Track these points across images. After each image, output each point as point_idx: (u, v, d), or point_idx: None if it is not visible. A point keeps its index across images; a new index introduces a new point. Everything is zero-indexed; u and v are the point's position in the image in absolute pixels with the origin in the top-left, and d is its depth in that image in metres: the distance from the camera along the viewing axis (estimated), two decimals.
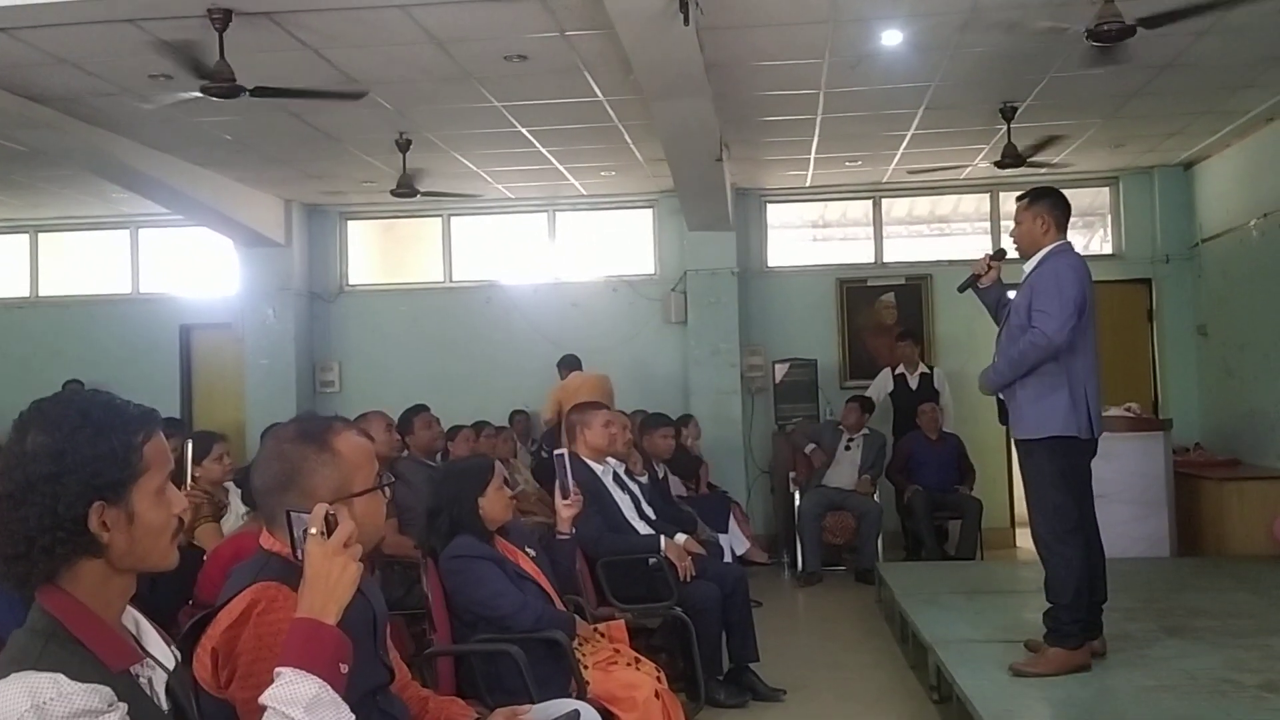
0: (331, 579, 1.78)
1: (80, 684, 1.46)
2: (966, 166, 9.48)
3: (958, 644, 4.93)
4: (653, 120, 7.06)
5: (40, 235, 11.01)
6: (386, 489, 2.28)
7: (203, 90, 5.40)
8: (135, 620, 1.70)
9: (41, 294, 11.01)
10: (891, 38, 6.05)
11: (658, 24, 5.01)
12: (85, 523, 1.55)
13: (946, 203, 10.71)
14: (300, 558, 1.83)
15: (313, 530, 1.80)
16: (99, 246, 11.07)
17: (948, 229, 10.85)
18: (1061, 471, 4.34)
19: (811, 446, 8.82)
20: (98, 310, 10.74)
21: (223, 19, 5.12)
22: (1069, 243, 4.54)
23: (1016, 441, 4.51)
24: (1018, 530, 9.57)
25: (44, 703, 1.43)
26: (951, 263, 10.09)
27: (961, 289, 4.88)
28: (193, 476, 5.02)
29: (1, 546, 1.56)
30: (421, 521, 4.19)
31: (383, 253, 11.02)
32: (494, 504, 3.71)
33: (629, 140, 8.17)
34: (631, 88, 6.57)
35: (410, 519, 5.24)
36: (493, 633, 3.51)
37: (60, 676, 1.46)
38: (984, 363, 4.68)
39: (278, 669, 1.70)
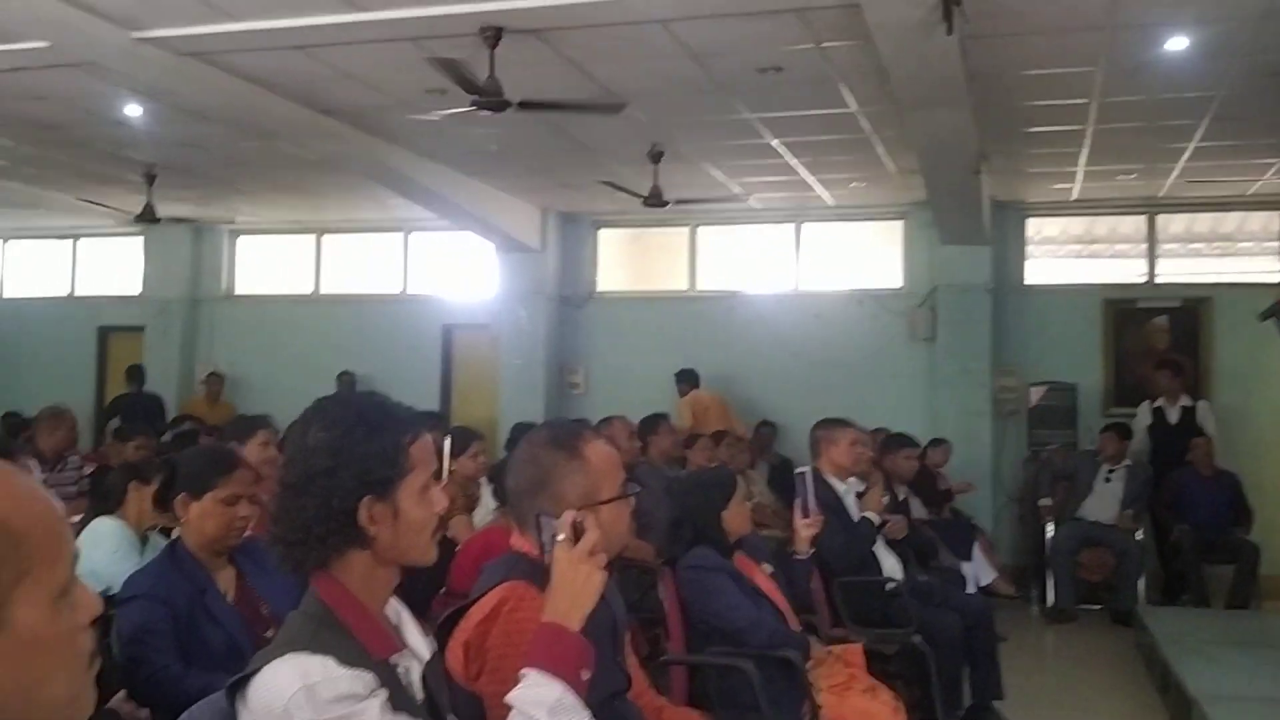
0: (577, 585, 1.82)
1: (347, 669, 1.55)
2: (1256, 181, 8.70)
3: (1228, 701, 4.52)
4: (908, 131, 6.88)
5: (324, 236, 11.95)
6: (632, 497, 2.31)
7: (474, 104, 5.68)
8: (397, 611, 1.79)
9: (323, 291, 11.93)
10: (1176, 44, 5.63)
11: (919, 33, 4.87)
12: (355, 516, 1.65)
13: (1231, 220, 9.86)
14: (548, 561, 1.88)
15: (560, 536, 1.85)
16: (374, 248, 11.91)
17: (1232, 248, 9.99)
18: None
19: (1045, 502, 8.35)
20: (370, 308, 11.52)
21: (494, 37, 5.38)
22: None
23: None
24: None
25: (313, 684, 1.53)
26: (1234, 285, 9.29)
27: (1263, 317, 4.47)
28: (449, 470, 5.29)
29: (282, 532, 1.68)
30: (659, 528, 4.25)
31: (631, 260, 11.27)
32: (735, 517, 3.71)
33: (881, 151, 7.99)
34: (886, 98, 6.41)
35: (647, 524, 5.31)
36: (727, 646, 3.50)
37: (330, 660, 1.55)
38: (1272, 395, 4.26)
39: (523, 670, 1.75)
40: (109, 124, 7.65)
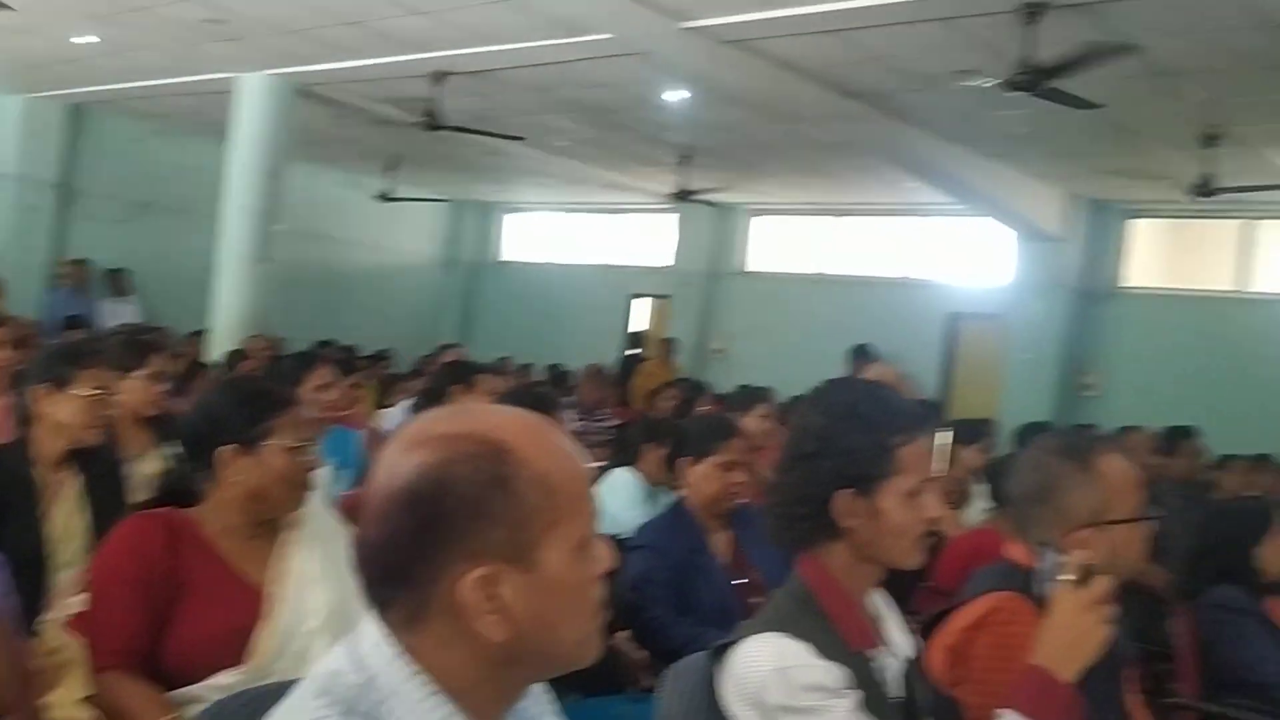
0: (1077, 633, 1.68)
1: (822, 660, 1.55)
2: None
3: None
4: None
5: (837, 218, 12.14)
6: (1150, 521, 2.07)
7: (1004, 83, 5.41)
8: (880, 604, 1.76)
9: (831, 271, 12.12)
10: None
11: None
12: (830, 505, 1.63)
13: None
14: (1043, 593, 1.74)
15: (1068, 576, 1.70)
16: (885, 231, 11.89)
17: None
18: None
19: None
20: (876, 291, 11.49)
21: (1035, 13, 5.08)
22: None
23: None
24: None
25: (788, 668, 1.55)
26: None
27: None
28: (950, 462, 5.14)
29: (771, 504, 1.73)
30: (1177, 556, 3.81)
31: (1167, 255, 10.22)
32: (1273, 555, 3.22)
33: None
34: None
35: (1163, 548, 4.79)
36: (1251, 700, 3.06)
37: (807, 648, 1.56)
38: None
39: (999, 710, 1.65)
40: (654, 109, 8.35)
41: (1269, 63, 5.68)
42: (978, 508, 5.11)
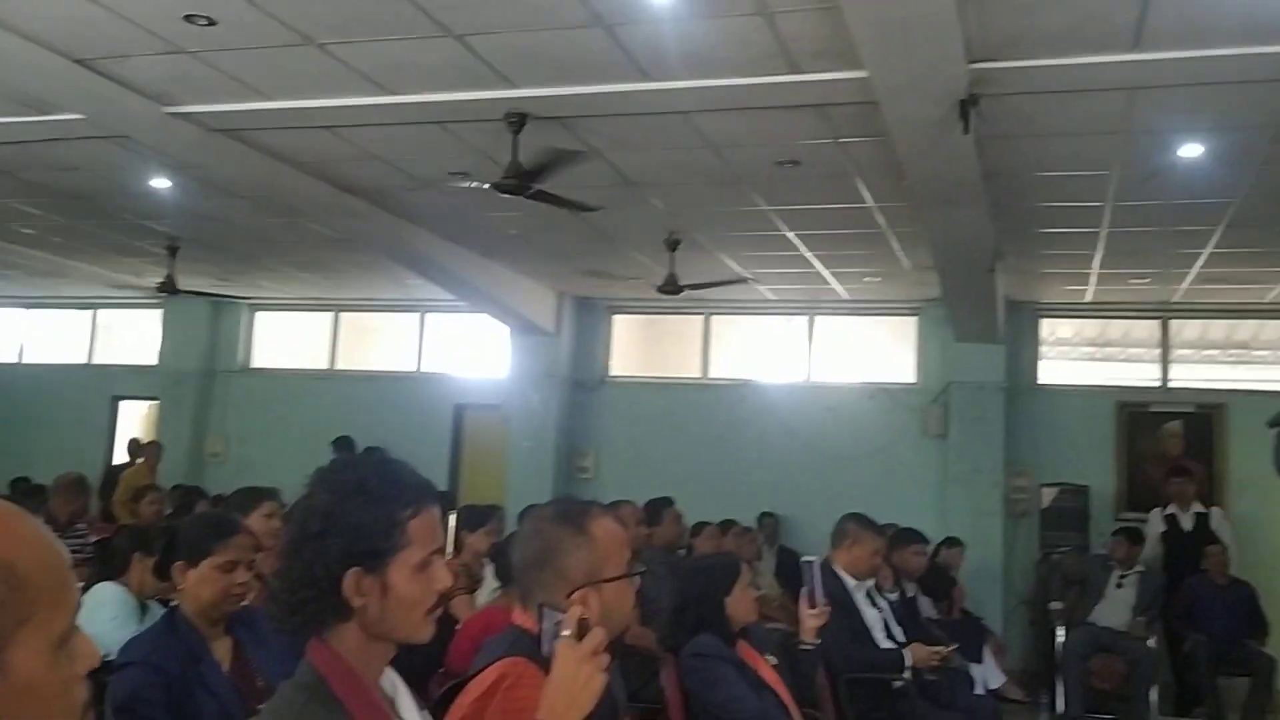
0: (577, 684, 1.76)
1: None
2: (1272, 289, 8.72)
3: None
4: (924, 228, 6.94)
5: (342, 314, 12.05)
6: (637, 577, 2.28)
7: (493, 186, 5.75)
8: (393, 684, 1.75)
9: (338, 367, 11.99)
10: (1190, 150, 5.70)
11: (936, 132, 4.94)
12: (340, 585, 1.59)
13: (1246, 328, 9.88)
14: (547, 653, 1.84)
15: (566, 632, 1.80)
16: (390, 326, 12.01)
17: (1247, 356, 9.99)
18: None
19: (1056, 606, 8.11)
20: (384, 385, 11.56)
21: (519, 123, 5.48)
22: None
23: None
24: None
25: None
26: (1250, 393, 9.25)
27: (1272, 424, 4.46)
28: (456, 548, 5.24)
29: (274, 592, 1.66)
30: (662, 614, 4.18)
31: (644, 347, 11.33)
32: (740, 604, 3.65)
33: (896, 247, 8.06)
34: (902, 195, 6.50)
35: (650, 610, 5.23)
36: None
37: None
38: None
39: None
40: (137, 196, 7.79)
41: (714, 179, 6.59)
42: (488, 589, 5.25)
